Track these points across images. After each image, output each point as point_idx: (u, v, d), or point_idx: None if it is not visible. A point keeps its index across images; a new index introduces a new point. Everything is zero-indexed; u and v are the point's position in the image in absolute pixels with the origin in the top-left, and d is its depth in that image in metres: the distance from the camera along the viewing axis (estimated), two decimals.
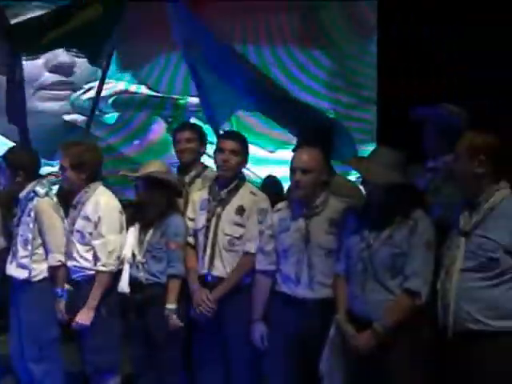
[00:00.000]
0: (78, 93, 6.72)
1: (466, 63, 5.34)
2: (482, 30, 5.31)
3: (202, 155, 4.54)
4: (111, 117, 6.82)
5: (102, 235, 4.04)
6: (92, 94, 6.58)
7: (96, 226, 4.05)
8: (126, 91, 6.67)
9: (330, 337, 3.47)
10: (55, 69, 6.72)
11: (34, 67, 6.58)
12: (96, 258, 4.05)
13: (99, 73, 5.85)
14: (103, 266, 4.02)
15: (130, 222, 4.16)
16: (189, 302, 4.01)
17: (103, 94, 6.37)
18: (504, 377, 3.05)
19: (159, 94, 6.69)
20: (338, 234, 3.59)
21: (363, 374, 3.39)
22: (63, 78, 6.73)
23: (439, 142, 3.83)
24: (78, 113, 6.74)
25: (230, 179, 4.01)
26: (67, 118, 6.72)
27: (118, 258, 4.05)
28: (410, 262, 3.30)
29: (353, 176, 4.73)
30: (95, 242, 4.05)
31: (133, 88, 6.65)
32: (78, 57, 6.55)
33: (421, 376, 3.30)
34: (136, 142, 6.77)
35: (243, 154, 4.05)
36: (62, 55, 6.63)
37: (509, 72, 5.13)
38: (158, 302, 3.99)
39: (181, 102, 6.73)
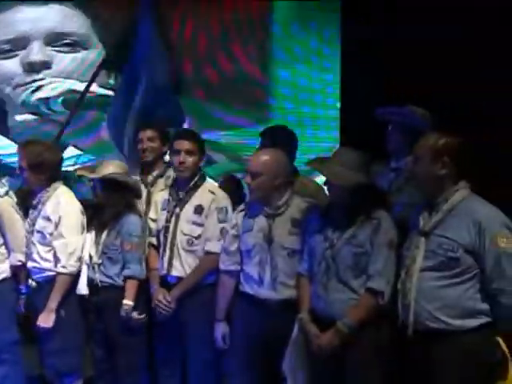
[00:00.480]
0: (28, 91, 6.60)
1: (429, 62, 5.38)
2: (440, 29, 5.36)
3: (164, 154, 4.49)
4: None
5: (63, 236, 3.99)
6: (43, 93, 6.55)
7: (56, 226, 4.01)
8: (74, 90, 6.57)
9: (293, 337, 3.48)
10: (29, 67, 6.59)
11: (11, 66, 6.54)
12: (56, 259, 4.00)
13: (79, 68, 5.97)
14: (63, 267, 3.97)
15: (88, 223, 4.12)
16: (149, 302, 3.99)
17: (52, 93, 6.40)
18: (463, 375, 3.06)
19: (110, 93, 6.61)
20: (301, 233, 3.59)
21: (325, 374, 3.41)
22: (38, 76, 6.60)
23: (402, 142, 3.85)
24: (30, 112, 6.62)
25: (188, 179, 3.99)
26: (18, 118, 6.61)
27: (79, 259, 4.01)
28: (374, 262, 3.32)
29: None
30: (55, 243, 4.00)
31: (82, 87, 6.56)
32: (58, 52, 6.48)
33: (381, 375, 3.32)
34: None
35: (199, 153, 4.02)
36: (35, 53, 6.52)
37: (471, 71, 5.16)
38: (113, 305, 3.96)
39: None
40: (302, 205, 3.67)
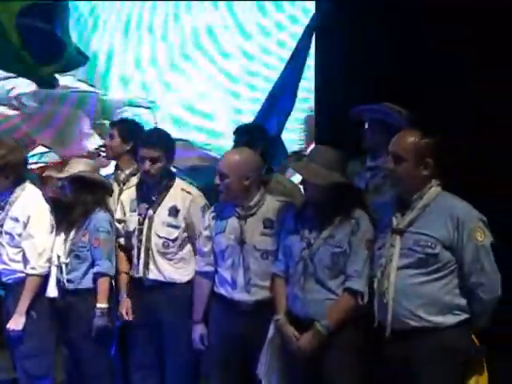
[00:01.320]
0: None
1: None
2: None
3: (128, 152, 4.39)
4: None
5: (32, 236, 3.94)
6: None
7: (25, 226, 3.95)
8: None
9: (269, 338, 3.45)
10: None
11: None
12: (25, 261, 3.95)
13: None
14: (32, 268, 3.93)
15: (57, 224, 4.05)
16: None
17: (25, 88, 6.29)
18: (443, 371, 3.06)
19: (82, 89, 6.52)
20: (275, 233, 3.55)
21: (302, 376, 3.38)
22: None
23: (379, 140, 3.81)
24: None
25: (159, 179, 3.92)
26: None
27: (49, 260, 3.95)
28: (352, 262, 3.29)
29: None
30: (24, 244, 3.95)
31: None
32: None
33: (359, 376, 3.30)
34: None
35: (165, 158, 3.92)
36: None
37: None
38: (78, 308, 3.90)
39: (104, 97, 6.59)
40: (275, 204, 3.62)
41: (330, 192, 3.32)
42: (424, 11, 5.26)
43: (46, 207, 4.03)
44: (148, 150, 3.89)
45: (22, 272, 3.96)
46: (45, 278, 3.96)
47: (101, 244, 3.91)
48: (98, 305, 3.85)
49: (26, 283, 3.93)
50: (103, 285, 3.89)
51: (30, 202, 3.98)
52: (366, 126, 3.96)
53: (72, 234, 3.95)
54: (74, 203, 3.97)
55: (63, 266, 3.93)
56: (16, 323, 3.91)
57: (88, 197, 3.95)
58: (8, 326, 3.92)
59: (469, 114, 4.91)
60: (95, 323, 3.84)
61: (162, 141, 3.99)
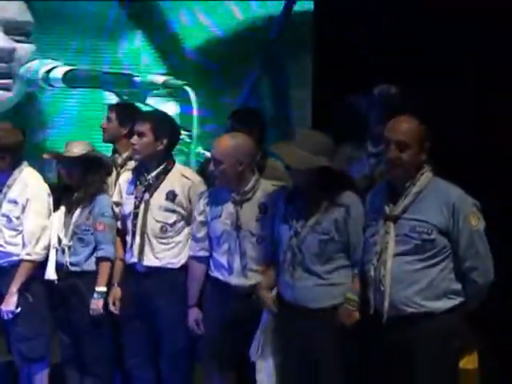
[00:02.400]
0: None
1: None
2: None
3: (126, 136, 4.35)
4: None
5: (30, 220, 3.94)
6: None
7: (23, 209, 3.95)
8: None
9: (262, 322, 3.47)
10: None
11: None
12: (23, 245, 3.95)
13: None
14: (28, 254, 3.93)
15: (55, 205, 4.05)
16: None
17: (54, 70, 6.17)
18: (440, 355, 3.06)
19: (112, 71, 6.48)
20: (270, 218, 3.53)
21: (295, 360, 3.39)
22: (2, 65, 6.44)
23: (382, 126, 3.69)
24: None
25: (154, 163, 3.88)
26: None
27: (45, 247, 3.95)
28: (353, 251, 3.29)
29: None
30: (22, 227, 3.95)
31: None
32: (17, 41, 6.30)
33: (350, 358, 3.29)
34: None
35: (154, 134, 3.85)
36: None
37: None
38: (80, 292, 3.92)
39: (136, 79, 6.55)
40: (269, 188, 3.60)
41: (314, 177, 3.30)
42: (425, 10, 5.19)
43: (45, 190, 4.03)
44: (138, 122, 3.90)
45: (18, 255, 3.97)
46: (42, 263, 3.97)
47: (106, 228, 3.92)
48: (97, 288, 3.88)
49: (20, 267, 3.94)
50: (105, 268, 3.91)
51: (29, 184, 3.98)
52: (367, 112, 3.92)
53: (75, 216, 3.95)
54: (79, 184, 3.97)
55: (66, 249, 3.94)
56: (7, 303, 3.93)
57: (93, 177, 3.96)
58: (1, 306, 3.93)
59: (469, 114, 4.86)
60: (93, 305, 3.86)
61: (153, 117, 4.01)
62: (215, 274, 3.66)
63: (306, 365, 3.36)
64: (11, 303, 3.92)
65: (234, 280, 3.58)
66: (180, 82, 6.11)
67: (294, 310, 3.35)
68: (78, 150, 3.97)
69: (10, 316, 3.95)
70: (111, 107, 4.60)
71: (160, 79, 6.07)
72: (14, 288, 3.91)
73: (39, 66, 5.92)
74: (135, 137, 3.85)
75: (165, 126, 3.95)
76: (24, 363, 4.06)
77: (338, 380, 3.31)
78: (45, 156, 4.16)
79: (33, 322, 3.99)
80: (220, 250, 3.63)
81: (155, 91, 6.08)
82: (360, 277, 3.27)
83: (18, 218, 3.97)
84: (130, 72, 6.22)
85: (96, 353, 3.96)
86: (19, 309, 3.95)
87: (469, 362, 3.33)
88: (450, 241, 3.07)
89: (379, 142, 3.77)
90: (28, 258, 3.92)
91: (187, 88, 6.05)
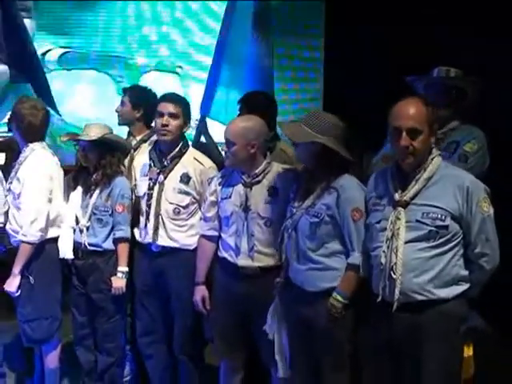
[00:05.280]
0: None
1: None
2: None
3: (139, 119, 4.44)
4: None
5: (25, 202, 3.92)
6: None
7: (22, 188, 3.94)
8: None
9: (276, 301, 3.50)
10: None
11: None
12: (20, 225, 3.94)
13: None
14: (24, 235, 3.91)
15: (71, 187, 4.09)
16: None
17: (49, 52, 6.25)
18: (448, 341, 3.04)
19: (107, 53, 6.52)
20: (280, 201, 3.55)
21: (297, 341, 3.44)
22: None
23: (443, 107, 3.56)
24: None
25: (172, 145, 3.92)
26: None
27: (41, 229, 3.91)
28: (346, 236, 3.27)
29: None
30: (19, 208, 3.95)
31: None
32: None
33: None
34: None
35: (184, 117, 3.92)
36: None
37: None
38: (98, 270, 3.98)
39: (131, 61, 6.58)
40: (280, 172, 3.62)
41: (316, 156, 3.29)
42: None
43: (46, 173, 3.99)
44: (168, 104, 3.90)
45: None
46: (53, 243, 3.99)
47: (125, 210, 3.97)
48: (120, 268, 3.94)
49: (20, 247, 3.92)
50: (125, 248, 3.97)
51: (31, 165, 3.96)
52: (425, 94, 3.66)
53: (94, 197, 4.00)
54: (96, 166, 4.01)
55: (84, 229, 3.99)
56: (9, 285, 3.93)
57: (110, 159, 3.99)
58: (4, 286, 3.94)
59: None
60: (116, 284, 3.92)
61: (182, 99, 4.03)
62: (224, 254, 3.68)
63: (310, 346, 3.36)
64: (13, 285, 3.91)
65: (241, 261, 3.60)
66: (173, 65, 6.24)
67: (296, 291, 3.37)
68: (95, 132, 3.99)
69: (12, 295, 3.94)
70: (124, 91, 4.62)
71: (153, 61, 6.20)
72: (16, 269, 3.91)
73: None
74: (167, 118, 3.86)
75: (189, 110, 4.01)
76: (28, 344, 4.08)
77: (334, 362, 3.31)
78: (62, 138, 4.20)
79: (36, 304, 3.97)
80: (229, 231, 3.65)
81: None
82: (363, 265, 3.23)
83: (19, 195, 3.95)
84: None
85: (110, 330, 4.02)
86: (19, 291, 3.94)
87: (465, 351, 3.25)
88: (461, 226, 3.02)
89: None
90: (24, 238, 3.89)
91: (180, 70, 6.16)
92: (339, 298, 3.25)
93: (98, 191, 4.00)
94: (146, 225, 3.93)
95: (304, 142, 3.30)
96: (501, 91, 4.67)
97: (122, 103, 4.50)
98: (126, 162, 4.20)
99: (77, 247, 4.02)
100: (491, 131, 3.68)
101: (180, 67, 6.51)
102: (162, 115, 3.88)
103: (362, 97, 4.97)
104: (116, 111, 4.52)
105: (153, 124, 4.19)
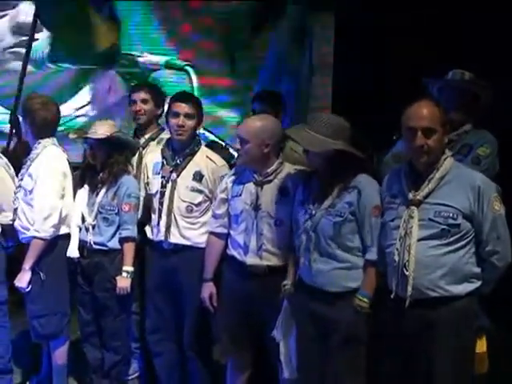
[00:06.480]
0: None
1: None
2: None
3: (159, 117, 4.42)
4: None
5: (38, 198, 3.91)
6: None
7: (35, 185, 3.93)
8: None
9: (285, 304, 3.51)
10: (17, 30, 6.50)
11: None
12: (33, 221, 3.93)
13: None
14: (36, 231, 3.91)
15: (78, 184, 4.07)
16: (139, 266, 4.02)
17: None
18: (461, 338, 3.08)
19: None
20: (290, 201, 3.54)
21: (310, 344, 3.43)
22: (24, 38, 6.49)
23: (458, 111, 3.65)
24: None
25: (185, 143, 3.92)
26: None
27: (54, 225, 3.91)
28: (365, 234, 3.30)
29: None
30: (32, 204, 3.93)
31: None
32: None
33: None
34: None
35: (198, 117, 3.94)
36: (23, 14, 6.42)
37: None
38: (104, 268, 3.96)
39: (139, 59, 6.58)
40: (292, 172, 3.62)
41: (331, 160, 3.30)
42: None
43: (59, 170, 3.99)
44: (184, 104, 3.89)
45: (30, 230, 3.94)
46: (64, 240, 3.98)
47: (132, 209, 3.96)
48: (125, 267, 3.92)
49: (31, 243, 3.92)
50: (131, 248, 3.95)
51: (43, 161, 3.95)
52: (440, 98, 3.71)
53: (100, 196, 3.98)
54: (103, 165, 4.00)
55: (90, 228, 3.98)
56: (19, 280, 3.92)
57: (118, 158, 3.98)
58: (14, 282, 3.94)
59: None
60: (121, 284, 3.91)
61: (196, 99, 4.04)
62: (232, 252, 3.69)
63: (322, 348, 3.37)
64: (23, 280, 3.91)
65: (250, 259, 3.60)
66: (181, 63, 6.23)
67: (312, 292, 3.37)
68: (102, 131, 3.96)
69: (23, 291, 3.94)
70: (144, 89, 4.46)
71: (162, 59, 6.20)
72: (26, 265, 3.90)
73: None
74: (183, 118, 3.86)
75: (202, 110, 4.02)
76: (37, 339, 4.08)
77: (352, 365, 3.31)
78: (70, 136, 4.15)
79: (46, 300, 3.97)
80: (238, 229, 3.66)
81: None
82: (378, 261, 3.27)
83: (31, 192, 3.94)
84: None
85: (116, 329, 4.02)
86: (29, 287, 3.94)
87: (479, 346, 3.29)
88: (473, 225, 3.07)
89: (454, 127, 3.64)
90: (37, 234, 3.88)
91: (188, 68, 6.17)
92: (366, 299, 3.27)
93: (104, 190, 3.99)
94: (158, 222, 3.93)
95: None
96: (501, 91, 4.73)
97: (145, 101, 4.36)
98: (135, 160, 4.19)
99: (82, 246, 4.00)
100: (500, 132, 3.74)
101: (189, 65, 6.49)
102: (177, 115, 3.88)
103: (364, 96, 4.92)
104: (135, 110, 4.38)
105: (159, 121, 4.22)
